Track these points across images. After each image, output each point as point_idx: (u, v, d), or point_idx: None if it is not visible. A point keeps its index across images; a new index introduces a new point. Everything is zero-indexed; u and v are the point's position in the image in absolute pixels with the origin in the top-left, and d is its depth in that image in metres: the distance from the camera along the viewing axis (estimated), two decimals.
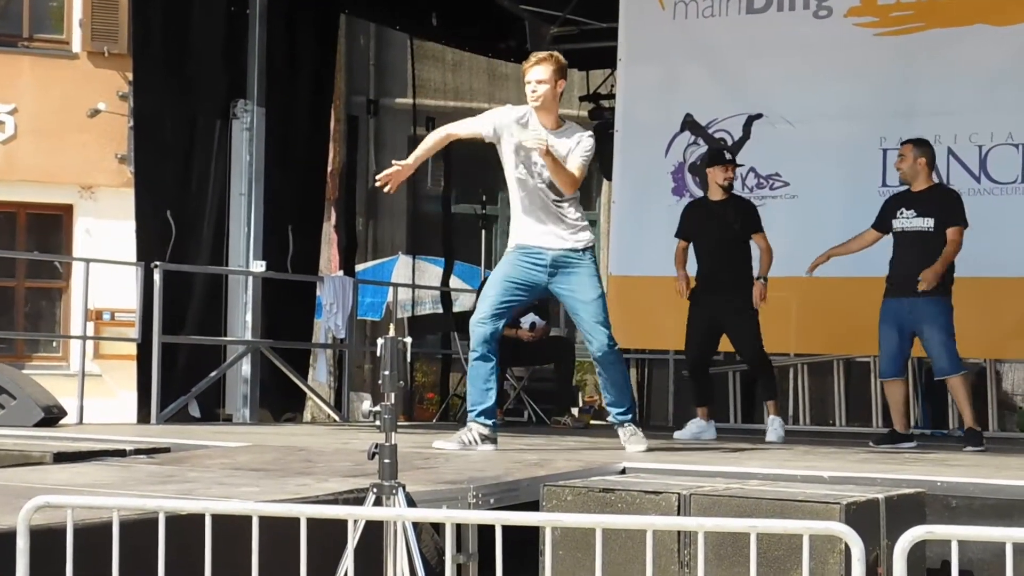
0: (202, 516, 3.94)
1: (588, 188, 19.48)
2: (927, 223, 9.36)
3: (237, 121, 11.88)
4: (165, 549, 3.93)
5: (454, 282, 15.25)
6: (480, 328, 8.03)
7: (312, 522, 3.91)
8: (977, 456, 8.53)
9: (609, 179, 13.58)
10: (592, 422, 14.16)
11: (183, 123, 11.57)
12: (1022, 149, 10.82)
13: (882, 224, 9.67)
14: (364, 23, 17.14)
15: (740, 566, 5.25)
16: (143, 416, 10.83)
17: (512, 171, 8.05)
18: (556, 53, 8.10)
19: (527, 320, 12.07)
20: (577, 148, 7.96)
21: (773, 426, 9.87)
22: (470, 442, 7.91)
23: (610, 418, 8.40)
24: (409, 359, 4.75)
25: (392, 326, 4.43)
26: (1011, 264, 10.76)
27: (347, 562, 4.11)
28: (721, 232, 10.01)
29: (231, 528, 4.11)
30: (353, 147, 14.91)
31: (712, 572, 5.32)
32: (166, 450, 7.75)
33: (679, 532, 5.39)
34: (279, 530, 4.10)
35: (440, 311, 15.48)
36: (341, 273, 13.52)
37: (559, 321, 15.10)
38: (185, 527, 4.18)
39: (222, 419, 11.55)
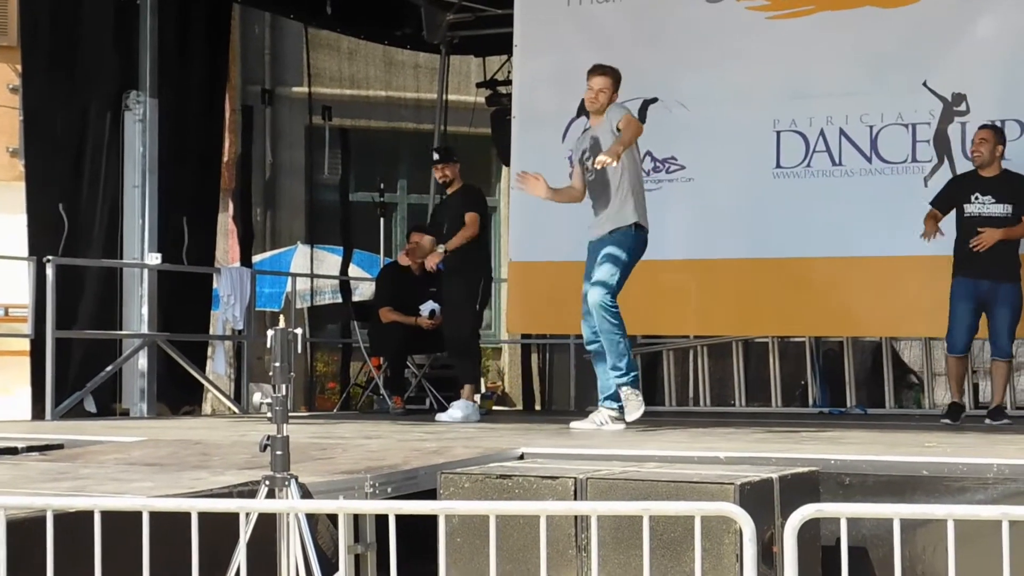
0: (91, 513, 3.89)
1: (487, 174, 19.47)
2: (1006, 209, 9.60)
3: (130, 113, 11.75)
4: (55, 548, 3.88)
5: (353, 271, 15.19)
6: (587, 330, 9.07)
7: (205, 516, 3.88)
8: (871, 433, 8.63)
9: (507, 165, 13.57)
10: (494, 408, 14.20)
11: (74, 116, 11.41)
12: (912, 129, 10.95)
13: (946, 206, 9.82)
14: (258, 12, 17.01)
15: (637, 548, 5.26)
16: (37, 412, 10.70)
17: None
18: (616, 68, 9.19)
19: (426, 308, 12.06)
20: (614, 115, 8.94)
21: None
22: (601, 423, 8.91)
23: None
24: (301, 350, 4.73)
25: (284, 318, 4.41)
26: (903, 243, 10.87)
27: (240, 556, 4.08)
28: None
29: (123, 525, 4.06)
30: (249, 137, 14.79)
31: (610, 555, 5.34)
32: (59, 446, 7.64)
33: (576, 516, 5.41)
34: (172, 525, 4.06)
35: (339, 300, 15.41)
36: (238, 264, 13.43)
37: None
38: (76, 525, 4.13)
39: (119, 414, 11.42)
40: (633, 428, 9.13)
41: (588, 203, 12.33)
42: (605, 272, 8.90)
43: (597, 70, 9.15)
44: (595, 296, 8.86)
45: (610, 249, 8.95)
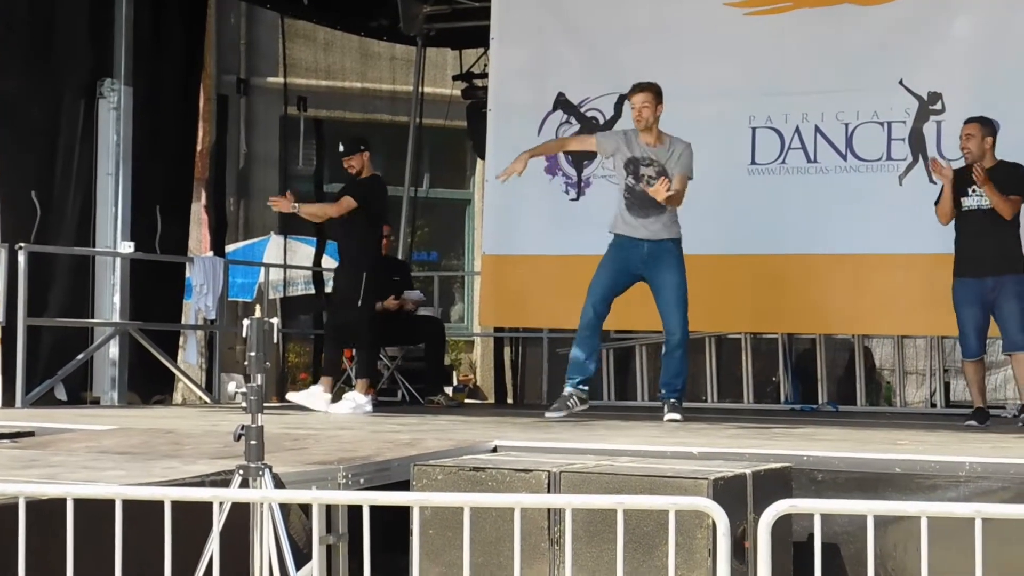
0: (64, 501, 3.87)
1: (462, 167, 19.47)
2: None
3: (104, 100, 11.68)
4: (27, 535, 3.86)
5: (326, 262, 15.12)
6: (587, 314, 9.27)
7: (178, 505, 3.87)
8: (843, 430, 8.64)
9: (482, 158, 13.56)
10: (466, 401, 14.20)
11: (48, 102, 11.35)
12: (887, 127, 10.98)
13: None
14: (233, 1, 16.96)
15: (610, 542, 5.27)
16: (7, 400, 10.63)
17: (622, 179, 9.37)
18: (655, 82, 9.43)
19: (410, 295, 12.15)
20: (677, 162, 9.26)
21: None
22: (572, 405, 9.21)
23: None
24: (277, 340, 4.73)
25: (259, 307, 4.39)
26: (877, 241, 10.92)
27: (213, 545, 4.06)
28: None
29: (95, 513, 4.05)
30: (223, 127, 14.73)
31: (583, 549, 5.34)
32: (30, 434, 7.62)
33: (549, 510, 5.41)
34: (144, 514, 4.05)
35: (312, 291, 15.37)
36: (211, 254, 13.39)
37: (433, 300, 15.07)
38: (48, 512, 4.12)
39: (89, 402, 11.38)
40: (605, 422, 9.16)
41: (564, 200, 12.41)
42: (676, 295, 9.29)
43: (636, 88, 9.39)
44: (672, 324, 9.30)
45: (675, 268, 9.29)
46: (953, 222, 9.43)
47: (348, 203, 10.47)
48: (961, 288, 9.32)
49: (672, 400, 9.36)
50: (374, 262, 10.74)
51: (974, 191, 9.24)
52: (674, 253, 9.33)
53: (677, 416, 9.26)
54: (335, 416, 10.00)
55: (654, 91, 9.37)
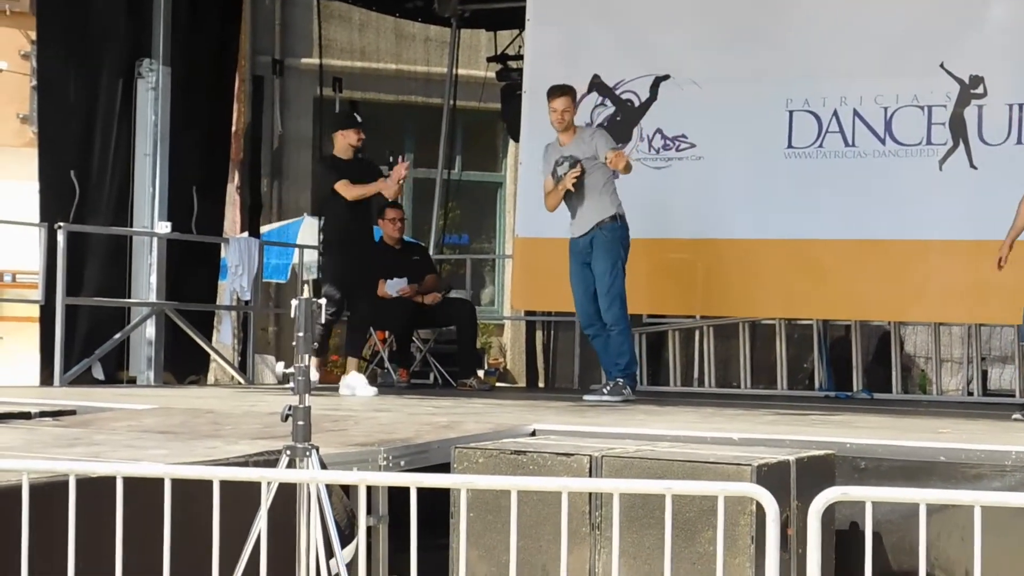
0: (113, 479, 3.88)
1: (495, 149, 19.44)
2: None
3: (142, 81, 11.71)
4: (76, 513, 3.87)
5: None
6: (582, 317, 9.90)
7: (222, 484, 3.87)
8: (882, 418, 8.58)
9: (516, 140, 13.54)
10: (497, 384, 14.20)
11: (87, 83, 11.39)
12: (927, 111, 10.90)
13: None
14: None
15: (650, 528, 5.27)
16: (46, 378, 10.70)
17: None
18: (571, 85, 9.99)
19: (393, 285, 12.08)
20: (600, 141, 9.65)
21: None
22: (628, 394, 9.62)
23: None
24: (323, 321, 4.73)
25: (306, 288, 4.42)
26: (914, 227, 10.86)
27: (260, 524, 4.07)
28: None
29: (140, 491, 4.05)
30: (258, 107, 14.71)
31: (623, 534, 5.32)
32: (72, 412, 7.65)
33: (590, 494, 5.39)
34: (187, 493, 4.05)
35: None
36: (246, 235, 13.40)
37: (464, 283, 15.06)
38: (94, 491, 4.12)
39: (125, 381, 11.42)
40: (641, 406, 9.14)
41: None
42: (603, 280, 9.64)
43: (556, 91, 9.80)
44: (603, 310, 9.64)
45: (604, 252, 9.64)
46: None
47: None
48: None
49: (617, 380, 9.67)
50: (329, 244, 10.97)
51: None
52: (603, 239, 9.66)
53: (608, 397, 9.55)
54: (370, 398, 10.03)
55: (572, 94, 9.92)
